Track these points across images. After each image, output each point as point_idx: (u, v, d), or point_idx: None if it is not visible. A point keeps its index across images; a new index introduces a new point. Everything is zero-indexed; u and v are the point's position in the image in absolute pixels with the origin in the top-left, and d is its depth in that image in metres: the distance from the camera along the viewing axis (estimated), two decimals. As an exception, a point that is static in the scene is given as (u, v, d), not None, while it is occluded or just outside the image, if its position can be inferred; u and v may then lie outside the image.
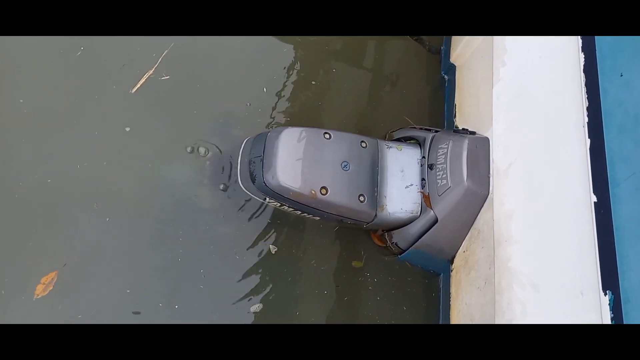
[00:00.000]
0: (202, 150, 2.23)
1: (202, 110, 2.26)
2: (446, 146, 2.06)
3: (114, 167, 2.10)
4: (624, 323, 1.29)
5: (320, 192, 1.95)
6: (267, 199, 2.07)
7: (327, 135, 2.03)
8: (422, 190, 2.10)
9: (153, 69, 2.27)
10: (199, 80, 2.30)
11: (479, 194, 1.95)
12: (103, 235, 2.01)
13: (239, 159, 2.17)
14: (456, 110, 2.31)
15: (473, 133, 2.08)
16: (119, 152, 2.13)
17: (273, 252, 2.15)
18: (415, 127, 2.30)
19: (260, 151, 2.01)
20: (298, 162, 1.96)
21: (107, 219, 2.03)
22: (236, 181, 2.17)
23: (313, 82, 2.41)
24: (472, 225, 2.03)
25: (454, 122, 2.30)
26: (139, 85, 2.24)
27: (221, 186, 2.20)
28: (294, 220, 2.21)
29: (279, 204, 2.07)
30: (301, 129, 2.03)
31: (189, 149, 2.21)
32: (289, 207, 2.07)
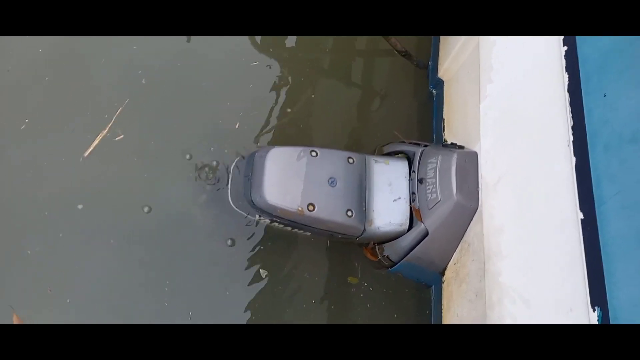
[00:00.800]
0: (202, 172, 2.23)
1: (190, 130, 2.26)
2: (435, 161, 2.08)
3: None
4: (613, 339, 1.31)
5: (308, 208, 1.98)
6: (258, 216, 2.10)
7: (313, 153, 2.06)
8: (412, 204, 2.12)
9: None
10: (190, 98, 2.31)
11: (468, 207, 1.97)
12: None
13: (229, 179, 2.20)
14: (444, 124, 2.33)
15: (462, 147, 2.11)
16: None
17: (264, 277, 2.15)
18: (404, 142, 2.32)
19: (248, 171, 2.07)
20: (285, 180, 2.00)
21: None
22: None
23: (300, 101, 2.43)
24: (462, 238, 2.05)
25: (442, 136, 2.33)
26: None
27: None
28: (286, 239, 2.21)
29: (269, 221, 2.10)
30: (288, 148, 2.08)
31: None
32: (279, 223, 2.09)
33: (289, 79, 2.44)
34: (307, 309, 2.15)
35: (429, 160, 2.11)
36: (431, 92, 2.54)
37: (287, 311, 2.13)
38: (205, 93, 2.33)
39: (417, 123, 2.49)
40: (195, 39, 2.38)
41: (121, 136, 2.19)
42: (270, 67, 2.44)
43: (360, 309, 2.18)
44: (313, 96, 2.45)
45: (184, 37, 2.36)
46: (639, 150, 1.29)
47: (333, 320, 2.15)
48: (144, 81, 2.29)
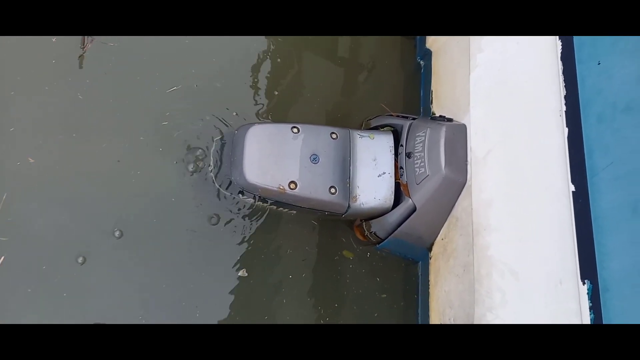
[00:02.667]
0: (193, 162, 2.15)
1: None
2: (424, 134, 2.04)
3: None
4: (602, 311, 1.30)
5: (289, 186, 1.93)
6: (241, 195, 2.05)
7: (295, 130, 2.01)
8: (400, 179, 2.08)
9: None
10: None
11: (457, 181, 1.94)
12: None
13: (211, 159, 2.14)
14: (433, 96, 2.28)
15: (450, 120, 2.06)
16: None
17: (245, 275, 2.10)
18: (392, 115, 2.27)
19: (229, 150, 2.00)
20: (265, 158, 1.95)
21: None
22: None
23: (286, 76, 2.34)
24: (450, 212, 2.02)
25: (430, 108, 2.28)
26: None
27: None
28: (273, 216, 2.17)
29: (253, 200, 2.05)
30: (268, 124, 2.03)
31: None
32: (263, 202, 2.05)
33: (274, 54, 2.35)
34: (296, 285, 2.11)
35: (417, 134, 2.07)
36: (419, 64, 2.48)
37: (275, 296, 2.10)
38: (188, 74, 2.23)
39: (405, 95, 2.43)
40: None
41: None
42: (248, 45, 2.34)
43: (345, 289, 2.15)
44: (298, 71, 2.37)
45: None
46: (634, 120, 1.25)
47: (319, 298, 2.12)
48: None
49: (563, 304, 1.43)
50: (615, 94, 1.30)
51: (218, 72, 2.24)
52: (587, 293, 1.35)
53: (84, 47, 2.07)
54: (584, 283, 1.36)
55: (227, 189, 2.09)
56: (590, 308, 1.34)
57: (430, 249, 2.15)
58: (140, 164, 2.05)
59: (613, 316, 1.27)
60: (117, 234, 1.96)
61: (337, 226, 2.23)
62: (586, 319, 1.34)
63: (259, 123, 2.04)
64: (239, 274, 2.06)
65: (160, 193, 2.05)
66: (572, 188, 1.42)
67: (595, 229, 1.34)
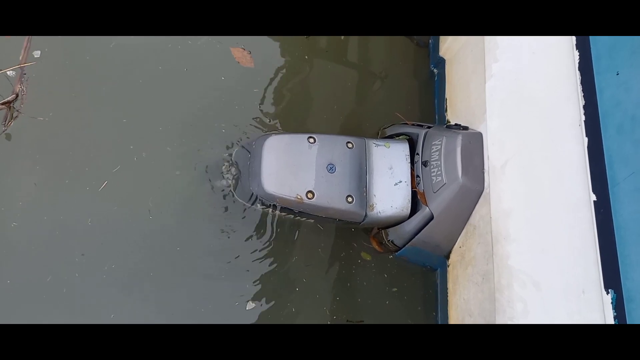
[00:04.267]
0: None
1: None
2: (440, 142, 2.04)
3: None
4: (627, 322, 1.30)
5: (307, 196, 1.94)
6: (259, 205, 2.07)
7: (311, 140, 2.02)
8: (417, 188, 2.09)
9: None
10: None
11: (474, 189, 1.94)
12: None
13: (225, 170, 2.16)
14: (447, 104, 2.28)
15: (466, 128, 2.06)
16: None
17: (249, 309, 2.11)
18: (407, 123, 2.28)
19: (246, 160, 2.04)
20: (282, 168, 1.96)
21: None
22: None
23: (298, 86, 2.36)
24: (467, 221, 2.03)
25: (445, 117, 2.28)
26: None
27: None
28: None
29: (271, 210, 2.07)
30: (285, 135, 2.04)
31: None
32: (281, 211, 2.06)
33: (286, 63, 2.37)
34: (312, 294, 2.12)
35: (433, 142, 2.07)
36: (432, 72, 2.48)
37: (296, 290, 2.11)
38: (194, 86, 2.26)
39: (419, 104, 2.44)
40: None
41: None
42: (264, 53, 2.36)
43: (363, 298, 2.16)
44: (313, 81, 2.39)
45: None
46: (655, 132, 1.26)
47: (334, 308, 2.13)
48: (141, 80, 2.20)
49: (586, 314, 1.43)
50: (635, 106, 1.30)
51: (230, 85, 2.26)
52: (612, 302, 1.35)
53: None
54: (607, 292, 1.36)
55: (249, 200, 2.11)
56: (615, 317, 1.34)
57: (448, 257, 2.15)
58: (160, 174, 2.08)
59: (638, 327, 1.27)
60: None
61: (351, 231, 2.24)
62: (610, 329, 1.34)
63: (275, 134, 2.07)
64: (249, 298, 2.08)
65: (181, 204, 2.07)
66: (594, 198, 1.42)
67: (618, 239, 1.34)
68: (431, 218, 2.03)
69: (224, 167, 2.16)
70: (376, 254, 2.22)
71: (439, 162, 2.01)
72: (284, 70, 2.35)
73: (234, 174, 2.15)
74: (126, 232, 1.98)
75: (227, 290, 2.02)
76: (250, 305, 2.02)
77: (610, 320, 1.35)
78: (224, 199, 2.14)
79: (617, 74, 1.37)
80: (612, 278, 1.35)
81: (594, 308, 1.41)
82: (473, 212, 1.99)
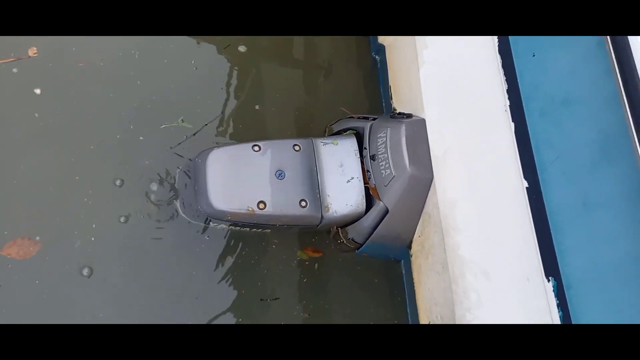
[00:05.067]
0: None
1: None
2: (384, 134, 2.00)
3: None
4: (569, 308, 1.28)
5: (258, 207, 1.91)
6: (211, 222, 2.04)
7: (256, 148, 1.98)
8: (369, 183, 2.06)
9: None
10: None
11: (423, 178, 1.90)
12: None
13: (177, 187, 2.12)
14: (391, 92, 2.23)
15: (410, 116, 2.01)
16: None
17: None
18: (353, 117, 2.23)
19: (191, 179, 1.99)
20: (229, 182, 1.92)
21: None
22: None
23: (242, 91, 2.31)
24: (422, 209, 2.00)
25: (391, 104, 2.23)
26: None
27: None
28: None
29: (225, 225, 2.04)
30: (228, 147, 1.99)
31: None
32: (235, 226, 2.04)
33: (225, 65, 2.31)
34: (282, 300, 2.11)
35: (379, 135, 2.03)
36: (375, 59, 2.42)
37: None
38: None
39: (366, 94, 2.38)
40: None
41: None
42: (208, 44, 2.29)
43: (331, 297, 2.14)
44: (253, 84, 2.34)
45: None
46: (572, 113, 1.21)
47: (306, 308, 2.12)
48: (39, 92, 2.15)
49: (533, 301, 1.41)
50: (553, 88, 1.25)
51: (170, 82, 2.22)
52: (553, 290, 1.32)
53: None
54: (548, 280, 1.34)
55: (196, 218, 2.08)
56: (558, 305, 1.32)
57: (410, 247, 2.13)
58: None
59: (580, 314, 1.25)
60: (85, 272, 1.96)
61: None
62: (555, 316, 1.32)
63: (218, 147, 2.02)
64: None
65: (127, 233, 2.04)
66: (526, 184, 1.38)
67: (552, 225, 1.31)
68: (386, 212, 2.00)
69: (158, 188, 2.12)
70: (332, 253, 2.19)
71: (386, 155, 1.98)
72: (223, 74, 2.30)
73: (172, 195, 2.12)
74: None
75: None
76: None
77: (554, 307, 1.33)
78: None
79: (534, 56, 1.32)
80: (550, 265, 1.33)
81: (539, 295, 1.39)
82: (427, 200, 1.96)
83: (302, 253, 2.17)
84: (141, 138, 2.15)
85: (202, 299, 2.03)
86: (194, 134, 2.21)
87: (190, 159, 2.14)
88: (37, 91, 2.11)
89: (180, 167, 2.14)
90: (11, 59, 2.12)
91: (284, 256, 2.16)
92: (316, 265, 2.17)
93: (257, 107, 2.30)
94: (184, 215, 2.08)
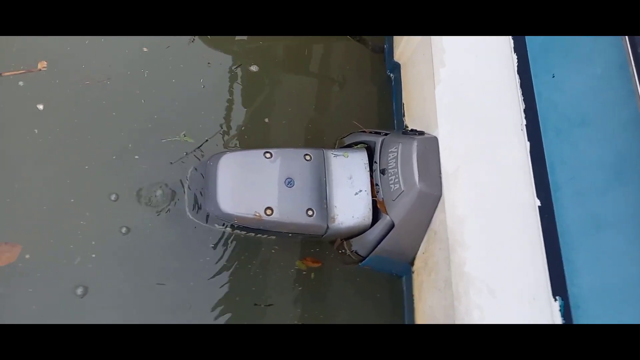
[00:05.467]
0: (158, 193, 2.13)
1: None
2: (396, 150, 2.02)
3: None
4: (576, 329, 1.28)
5: (265, 213, 1.92)
6: (217, 225, 2.04)
7: (267, 155, 1.99)
8: (376, 197, 2.07)
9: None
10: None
11: (432, 195, 1.92)
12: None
13: (185, 190, 2.13)
14: (404, 109, 2.26)
15: (422, 133, 2.04)
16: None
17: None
18: (364, 131, 2.25)
19: (200, 181, 2.02)
20: (239, 186, 1.93)
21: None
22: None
23: (255, 98, 2.34)
24: (428, 226, 2.01)
25: (403, 122, 2.26)
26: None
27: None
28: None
29: (231, 229, 2.04)
30: (240, 152, 2.01)
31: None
32: (241, 230, 2.04)
33: (240, 74, 2.34)
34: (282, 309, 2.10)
35: (390, 150, 2.05)
36: (389, 77, 2.46)
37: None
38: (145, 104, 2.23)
39: (378, 110, 2.42)
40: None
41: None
42: (218, 64, 2.33)
43: (331, 308, 2.13)
44: (268, 92, 2.36)
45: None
46: (587, 135, 1.23)
47: (305, 318, 2.11)
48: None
49: (538, 321, 1.41)
50: (570, 108, 1.28)
51: (176, 100, 2.23)
52: (560, 310, 1.33)
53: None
54: (555, 299, 1.34)
55: (206, 221, 2.08)
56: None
57: (412, 264, 2.13)
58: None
59: (585, 333, 1.25)
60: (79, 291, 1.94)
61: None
62: (560, 336, 1.32)
63: (229, 151, 2.04)
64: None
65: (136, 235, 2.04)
66: (538, 203, 1.40)
67: (563, 245, 1.32)
68: (392, 226, 2.01)
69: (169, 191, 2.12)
70: (333, 266, 2.19)
71: (396, 170, 1.99)
72: (237, 85, 2.32)
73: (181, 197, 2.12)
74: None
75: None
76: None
77: (559, 327, 1.33)
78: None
79: (553, 76, 1.35)
80: (558, 284, 1.34)
81: (544, 315, 1.39)
82: (433, 217, 1.97)
83: (300, 263, 2.16)
84: (136, 157, 2.15)
85: (196, 300, 2.02)
86: (199, 147, 2.21)
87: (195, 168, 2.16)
88: (40, 107, 2.12)
89: (192, 171, 2.16)
90: (21, 71, 2.14)
91: (281, 263, 2.15)
92: (312, 275, 2.16)
93: (266, 120, 2.32)
94: (190, 216, 2.09)
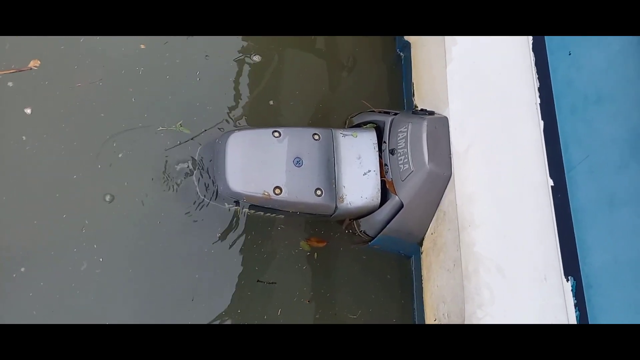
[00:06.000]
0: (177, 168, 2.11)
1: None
2: (406, 129, 2.00)
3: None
4: (587, 308, 1.28)
5: (274, 192, 1.91)
6: (227, 204, 2.04)
7: (276, 134, 1.98)
8: (385, 177, 2.06)
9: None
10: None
11: (442, 175, 1.91)
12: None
13: (195, 169, 2.12)
14: (414, 88, 2.24)
15: (432, 113, 2.02)
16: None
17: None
18: (374, 111, 2.23)
19: (210, 159, 2.01)
20: (248, 165, 1.92)
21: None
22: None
23: (265, 77, 2.31)
24: (437, 207, 2.00)
25: (412, 101, 2.24)
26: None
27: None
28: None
29: (240, 208, 2.04)
30: (249, 130, 2.00)
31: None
32: (250, 209, 2.03)
33: (251, 54, 2.31)
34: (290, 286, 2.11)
35: (399, 130, 2.03)
36: (399, 55, 2.43)
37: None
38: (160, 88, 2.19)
39: (387, 89, 2.39)
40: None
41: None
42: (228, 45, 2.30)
43: (341, 287, 2.14)
44: (277, 71, 2.34)
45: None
46: (604, 112, 1.21)
47: (315, 297, 2.11)
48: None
49: (549, 300, 1.41)
50: (586, 85, 1.26)
51: (191, 80, 2.20)
52: (572, 290, 1.32)
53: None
54: (567, 279, 1.33)
55: (215, 199, 2.07)
56: (575, 305, 1.31)
57: (421, 244, 2.13)
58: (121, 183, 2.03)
59: (598, 313, 1.25)
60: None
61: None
62: (572, 316, 1.32)
63: (239, 130, 2.03)
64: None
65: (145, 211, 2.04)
66: (551, 182, 1.38)
67: (576, 224, 1.31)
68: (401, 206, 2.00)
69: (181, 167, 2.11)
70: (346, 248, 2.18)
71: (405, 150, 1.98)
72: (247, 65, 2.30)
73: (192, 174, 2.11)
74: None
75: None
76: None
77: (571, 306, 1.33)
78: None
79: (570, 54, 1.32)
80: (571, 265, 1.33)
81: (556, 295, 1.39)
82: (442, 198, 1.96)
83: (304, 244, 2.15)
84: (120, 156, 2.07)
85: (200, 280, 2.02)
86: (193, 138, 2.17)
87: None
88: (28, 111, 2.03)
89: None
90: (11, 70, 2.05)
91: (286, 242, 2.14)
92: (316, 254, 2.16)
93: (271, 102, 2.28)
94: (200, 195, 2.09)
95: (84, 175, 2.02)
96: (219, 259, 2.06)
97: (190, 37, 2.26)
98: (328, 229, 2.20)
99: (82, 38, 2.15)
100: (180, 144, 2.13)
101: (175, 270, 2.01)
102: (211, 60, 2.28)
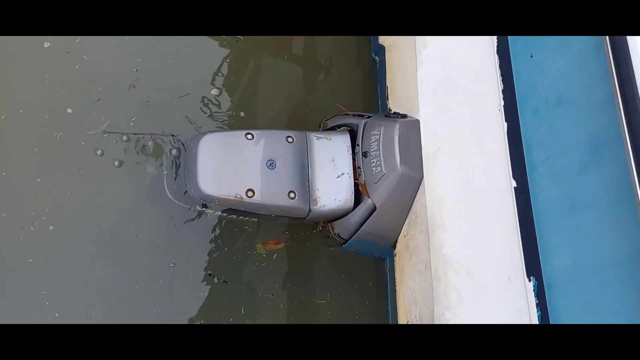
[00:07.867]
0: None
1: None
2: (378, 132, 2.01)
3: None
4: (548, 309, 1.29)
5: (247, 194, 1.90)
6: (199, 207, 2.03)
7: (249, 136, 1.98)
8: (358, 179, 2.06)
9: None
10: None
11: (413, 178, 1.92)
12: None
13: (165, 171, 2.11)
14: (388, 92, 2.25)
15: (404, 116, 2.03)
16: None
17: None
18: (348, 114, 2.24)
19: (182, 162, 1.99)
20: (219, 168, 1.92)
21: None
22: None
23: (241, 80, 2.31)
24: (410, 209, 2.01)
25: (387, 105, 2.25)
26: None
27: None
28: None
29: (212, 211, 2.04)
30: (221, 133, 2.00)
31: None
32: (222, 212, 2.03)
33: (226, 57, 2.31)
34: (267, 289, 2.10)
35: (372, 133, 2.04)
36: (374, 59, 2.44)
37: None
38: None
39: (363, 92, 2.40)
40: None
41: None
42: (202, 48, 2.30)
43: (317, 289, 2.14)
44: (253, 75, 2.34)
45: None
46: (564, 115, 1.23)
47: (291, 299, 2.11)
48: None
49: (513, 302, 1.42)
50: (548, 89, 1.27)
51: (167, 79, 2.19)
52: (533, 290, 1.33)
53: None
54: (529, 280, 1.34)
55: (185, 202, 2.06)
56: (537, 305, 1.32)
57: (394, 247, 2.14)
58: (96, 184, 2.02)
59: (559, 314, 1.26)
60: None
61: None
62: (534, 316, 1.33)
63: (211, 132, 2.02)
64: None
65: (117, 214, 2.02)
66: (514, 184, 1.39)
67: (537, 225, 1.32)
68: (374, 209, 2.01)
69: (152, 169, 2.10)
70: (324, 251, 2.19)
71: (378, 153, 1.99)
72: (224, 64, 2.29)
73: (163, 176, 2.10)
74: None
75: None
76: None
77: (533, 306, 1.34)
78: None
79: (531, 56, 1.34)
80: (533, 265, 1.34)
81: (519, 296, 1.39)
82: (415, 201, 1.97)
83: (261, 247, 2.15)
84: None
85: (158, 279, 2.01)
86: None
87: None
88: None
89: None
90: None
91: (245, 243, 2.14)
92: (275, 255, 2.15)
93: (242, 114, 2.28)
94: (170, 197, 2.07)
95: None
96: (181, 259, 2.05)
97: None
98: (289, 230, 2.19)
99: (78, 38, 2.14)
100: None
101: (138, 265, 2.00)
102: (184, 59, 2.27)
